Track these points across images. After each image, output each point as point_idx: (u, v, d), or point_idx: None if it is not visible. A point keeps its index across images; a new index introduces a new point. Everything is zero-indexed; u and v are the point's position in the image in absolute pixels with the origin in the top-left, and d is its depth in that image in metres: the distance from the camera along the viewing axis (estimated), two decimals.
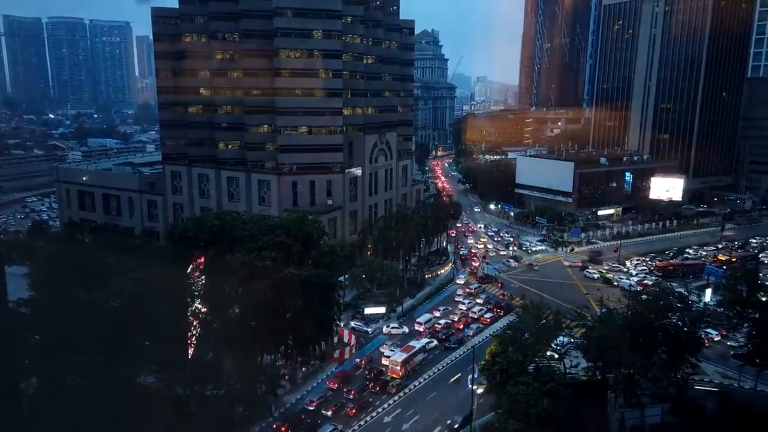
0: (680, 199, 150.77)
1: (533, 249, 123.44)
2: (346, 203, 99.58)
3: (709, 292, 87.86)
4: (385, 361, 68.48)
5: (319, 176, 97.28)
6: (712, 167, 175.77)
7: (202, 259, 55.74)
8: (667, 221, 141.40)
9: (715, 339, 74.84)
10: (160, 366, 46.95)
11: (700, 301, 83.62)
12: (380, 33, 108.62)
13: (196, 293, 53.12)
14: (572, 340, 58.90)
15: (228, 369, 50.18)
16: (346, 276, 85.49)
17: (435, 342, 75.06)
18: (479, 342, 74.04)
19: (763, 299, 63.53)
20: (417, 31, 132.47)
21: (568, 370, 55.79)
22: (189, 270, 53.85)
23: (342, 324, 74.36)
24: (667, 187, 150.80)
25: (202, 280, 54.58)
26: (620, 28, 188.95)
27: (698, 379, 62.89)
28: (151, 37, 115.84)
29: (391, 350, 71.21)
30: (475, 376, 54.65)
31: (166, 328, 47.29)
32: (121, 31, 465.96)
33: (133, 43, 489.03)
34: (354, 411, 58.55)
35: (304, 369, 66.26)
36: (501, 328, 75.51)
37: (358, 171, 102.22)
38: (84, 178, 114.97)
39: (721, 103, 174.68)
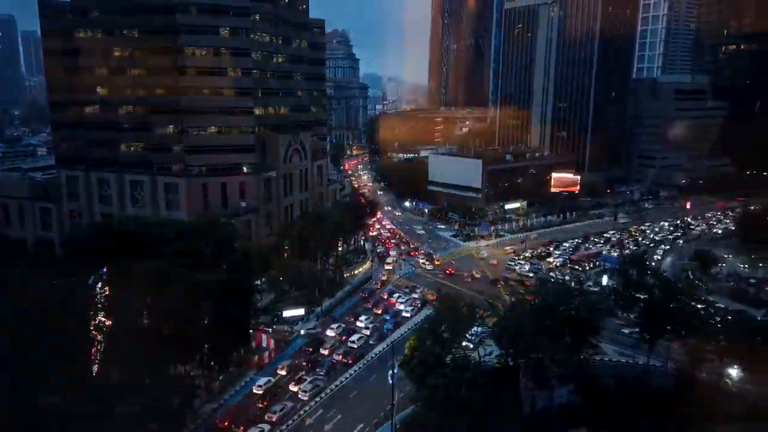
0: (578, 191, 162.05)
1: (451, 244, 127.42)
2: (261, 205, 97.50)
3: (605, 277, 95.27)
4: None
5: (231, 178, 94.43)
6: (606, 161, 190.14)
7: (105, 269, 52.44)
8: (567, 213, 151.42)
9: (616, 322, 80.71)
10: (63, 385, 43.66)
11: (598, 286, 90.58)
12: (290, 31, 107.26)
13: (99, 305, 49.89)
14: (485, 330, 61.57)
15: (139, 383, 47.62)
16: (263, 279, 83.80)
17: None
18: (400, 336, 75.53)
19: (651, 282, 69.85)
20: (327, 30, 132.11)
21: (482, 359, 58.27)
22: (91, 281, 50.47)
23: (261, 328, 72.91)
24: (565, 181, 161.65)
25: (105, 290, 51.35)
26: (520, 31, 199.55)
27: (599, 359, 67.88)
28: (38, 32, 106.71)
29: None
30: (395, 371, 55.62)
31: (68, 344, 44.03)
32: (5, 26, 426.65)
33: (18, 39, 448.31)
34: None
35: (221, 377, 64.16)
36: (420, 321, 77.45)
37: (272, 172, 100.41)
38: None
39: (611, 102, 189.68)
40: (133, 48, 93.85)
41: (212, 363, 60.24)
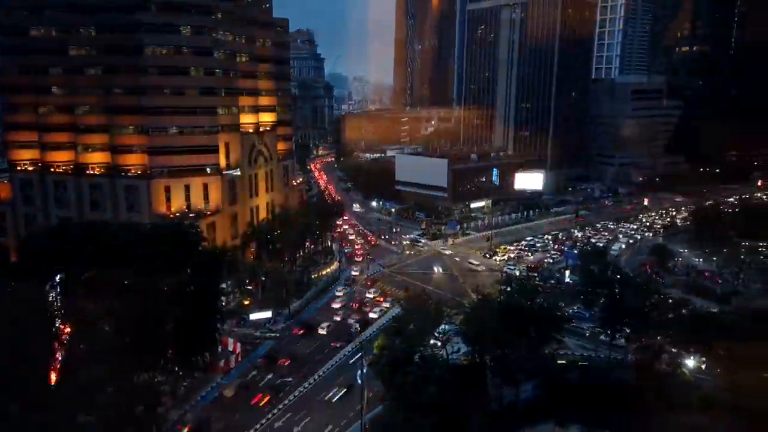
0: (541, 189, 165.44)
1: (418, 243, 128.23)
2: (226, 206, 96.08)
3: (567, 273, 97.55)
4: None
5: (195, 179, 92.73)
6: (567, 160, 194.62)
7: (63, 275, 50.78)
8: (530, 211, 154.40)
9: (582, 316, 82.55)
10: (19, 395, 42.05)
11: (561, 282, 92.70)
12: (254, 30, 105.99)
13: (56, 312, 48.27)
14: (452, 328, 62.27)
15: (100, 391, 46.28)
16: (229, 282, 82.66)
17: None
18: (369, 335, 75.67)
19: (611, 277, 71.96)
20: (291, 29, 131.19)
21: (450, 356, 58.93)
22: (48, 287, 48.80)
23: (228, 332, 71.89)
24: (529, 180, 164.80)
25: (62, 297, 49.72)
26: (483, 32, 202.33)
27: (563, 354, 69.49)
28: None
29: None
30: (364, 370, 55.71)
31: (24, 352, 42.43)
32: None
33: None
34: None
35: (186, 383, 62.94)
36: (388, 320, 77.72)
37: (236, 173, 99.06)
38: None
39: (571, 102, 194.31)
40: (91, 46, 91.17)
41: (177, 369, 59.07)
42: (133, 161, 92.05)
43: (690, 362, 62.84)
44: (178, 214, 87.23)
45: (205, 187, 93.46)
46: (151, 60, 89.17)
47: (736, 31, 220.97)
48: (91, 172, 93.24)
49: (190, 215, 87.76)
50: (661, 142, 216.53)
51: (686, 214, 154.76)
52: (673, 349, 64.19)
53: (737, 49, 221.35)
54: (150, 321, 51.50)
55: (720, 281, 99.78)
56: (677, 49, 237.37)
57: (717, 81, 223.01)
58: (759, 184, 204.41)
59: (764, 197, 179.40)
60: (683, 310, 70.90)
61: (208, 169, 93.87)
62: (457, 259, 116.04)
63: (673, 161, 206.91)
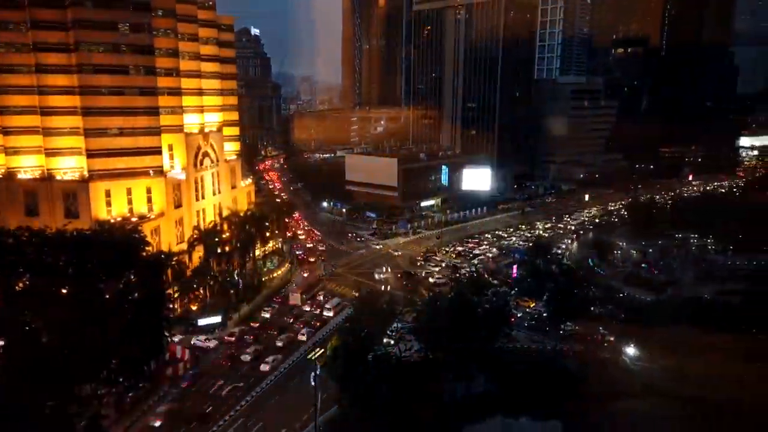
0: (488, 188, 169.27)
1: (370, 242, 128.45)
2: (170, 210, 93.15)
3: (515, 268, 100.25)
4: None
5: (137, 182, 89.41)
6: (512, 158, 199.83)
7: None
8: (479, 208, 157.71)
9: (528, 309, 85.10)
10: None
11: (509, 277, 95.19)
12: (197, 29, 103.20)
13: None
14: (405, 325, 62.88)
15: (36, 409, 44.03)
16: (175, 288, 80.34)
17: None
18: (321, 337, 75.21)
19: (556, 271, 74.59)
20: (237, 28, 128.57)
21: (403, 354, 59.46)
22: None
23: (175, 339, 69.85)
24: (476, 178, 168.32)
25: None
26: (429, 32, 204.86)
27: (512, 347, 71.42)
28: None
29: None
30: (317, 372, 55.40)
31: None
32: None
33: None
34: None
35: (131, 394, 60.70)
36: (340, 321, 77.60)
37: (181, 175, 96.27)
38: None
39: (515, 102, 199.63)
40: (22, 44, 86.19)
41: (121, 379, 56.93)
42: (71, 165, 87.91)
43: (630, 350, 65.91)
44: (119, 219, 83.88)
45: (149, 190, 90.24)
46: (87, 58, 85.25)
47: (666, 33, 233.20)
48: (24, 176, 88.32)
49: (133, 219, 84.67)
50: (600, 140, 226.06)
51: (624, 208, 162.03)
52: (612, 338, 67.27)
53: (668, 51, 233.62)
54: (89, 331, 49.37)
55: (656, 272, 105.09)
56: (613, 50, 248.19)
57: (649, 81, 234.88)
58: (689, 178, 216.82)
59: (694, 191, 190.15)
60: (622, 301, 74.40)
61: (151, 172, 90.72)
62: (408, 257, 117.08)
63: (611, 158, 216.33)
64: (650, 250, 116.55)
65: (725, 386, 61.30)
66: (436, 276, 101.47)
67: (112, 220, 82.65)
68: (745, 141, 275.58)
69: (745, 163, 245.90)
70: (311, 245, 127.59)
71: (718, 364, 65.48)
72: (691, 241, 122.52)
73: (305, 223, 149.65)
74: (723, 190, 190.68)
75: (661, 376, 62.33)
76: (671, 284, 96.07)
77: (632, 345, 66.41)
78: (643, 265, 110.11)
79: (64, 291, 52.50)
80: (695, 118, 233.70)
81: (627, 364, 64.21)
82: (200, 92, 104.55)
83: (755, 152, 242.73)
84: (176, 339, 73.97)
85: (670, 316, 71.18)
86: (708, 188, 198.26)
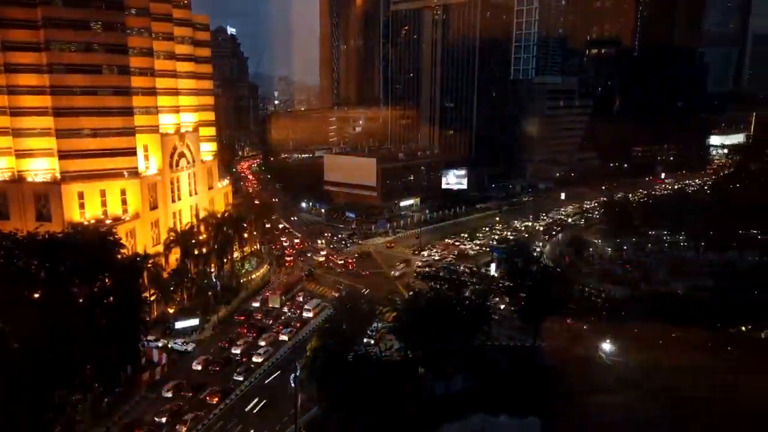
0: (466, 187, 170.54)
1: (349, 242, 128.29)
2: (146, 211, 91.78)
3: (493, 266, 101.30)
4: None
5: (111, 184, 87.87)
6: (490, 158, 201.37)
7: None
8: (457, 207, 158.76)
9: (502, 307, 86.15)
10: None
11: (488, 275, 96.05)
12: (172, 28, 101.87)
13: None
14: (385, 325, 63.03)
15: (8, 416, 43.05)
16: (152, 291, 79.28)
17: None
18: (301, 339, 74.88)
19: (533, 269, 75.53)
20: (213, 27, 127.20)
21: (383, 353, 59.64)
22: None
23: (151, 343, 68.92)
24: (455, 178, 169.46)
25: None
26: (407, 32, 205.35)
27: (491, 344, 72.08)
28: None
29: None
30: (297, 374, 55.19)
31: None
32: None
33: None
34: None
35: (106, 399, 59.63)
36: (321, 322, 77.39)
37: (157, 176, 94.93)
38: None
39: (492, 102, 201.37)
40: None
41: (96, 385, 55.96)
42: (43, 166, 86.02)
43: (606, 346, 67.10)
44: (93, 222, 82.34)
45: (123, 191, 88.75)
46: (58, 58, 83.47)
47: (639, 34, 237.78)
48: None
49: (107, 222, 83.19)
50: (575, 140, 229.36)
51: (599, 206, 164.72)
52: (588, 335, 68.41)
53: (640, 52, 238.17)
54: (63, 336, 48.42)
55: (630, 268, 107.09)
56: (587, 51, 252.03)
57: (623, 81, 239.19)
58: (662, 176, 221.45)
59: (666, 189, 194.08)
60: (598, 298, 75.70)
61: (125, 173, 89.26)
62: (387, 257, 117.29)
63: (586, 157, 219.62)
64: (625, 248, 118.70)
65: (696, 378, 63.06)
66: (415, 275, 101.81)
67: (86, 223, 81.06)
68: (715, 140, 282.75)
69: (716, 161, 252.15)
70: (290, 246, 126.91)
71: (690, 357, 67.33)
72: (664, 238, 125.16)
73: (284, 224, 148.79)
74: (694, 188, 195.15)
75: (635, 371, 63.66)
76: (645, 281, 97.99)
77: (608, 341, 67.64)
78: (618, 262, 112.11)
79: (36, 296, 51.36)
80: (667, 118, 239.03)
81: (603, 360, 65.32)
82: (176, 92, 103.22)
83: (725, 151, 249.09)
84: (159, 343, 73.26)
85: (644, 311, 72.70)
86: (680, 186, 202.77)
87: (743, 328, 70.09)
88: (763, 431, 53.18)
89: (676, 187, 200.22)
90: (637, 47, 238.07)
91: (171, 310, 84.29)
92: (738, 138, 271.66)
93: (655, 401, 57.88)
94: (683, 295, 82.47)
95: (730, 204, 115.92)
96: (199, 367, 68.79)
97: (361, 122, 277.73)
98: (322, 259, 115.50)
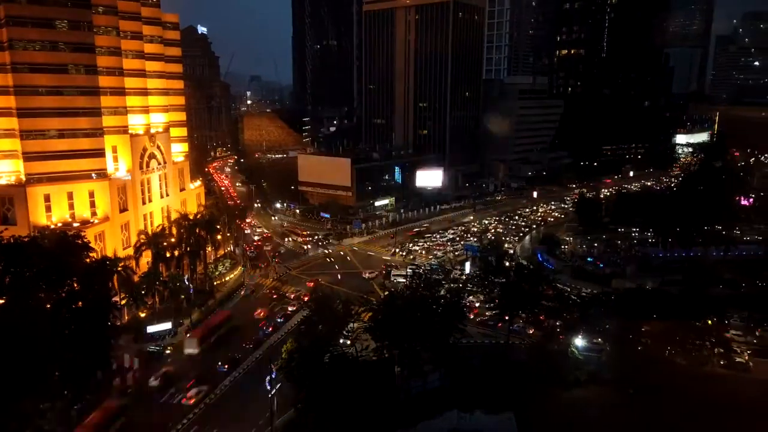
0: (440, 186, 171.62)
1: (324, 243, 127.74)
2: (115, 214, 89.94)
3: (468, 264, 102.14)
4: None
5: (79, 186, 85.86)
6: (463, 157, 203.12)
7: None
8: (431, 207, 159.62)
9: (477, 305, 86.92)
10: None
11: (462, 274, 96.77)
12: (141, 26, 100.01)
13: None
14: (360, 325, 63.02)
15: None
16: (122, 295, 77.73)
17: None
18: (277, 340, 74.34)
19: (506, 266, 76.43)
20: (183, 26, 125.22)
21: (359, 353, 59.61)
22: None
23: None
24: (429, 177, 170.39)
25: None
26: (380, 32, 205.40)
27: (466, 342, 72.72)
28: None
29: None
30: (273, 375, 54.85)
31: None
32: None
33: None
34: None
35: (77, 406, 58.25)
36: (295, 325, 76.94)
37: (126, 177, 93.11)
38: None
39: (465, 102, 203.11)
40: None
41: (65, 392, 54.65)
42: (7, 168, 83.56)
43: (578, 341, 68.36)
44: (60, 225, 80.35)
45: (92, 194, 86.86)
46: (22, 57, 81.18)
47: (607, 35, 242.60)
48: None
49: (75, 225, 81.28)
50: (546, 139, 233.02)
51: (570, 204, 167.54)
52: (560, 330, 69.55)
53: (609, 53, 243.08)
54: (26, 343, 47.11)
55: (601, 265, 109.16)
56: (557, 51, 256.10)
57: (592, 82, 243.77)
58: (630, 174, 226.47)
59: (635, 187, 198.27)
60: (570, 294, 76.98)
61: (93, 175, 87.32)
62: (362, 257, 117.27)
63: (557, 156, 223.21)
64: (595, 245, 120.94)
65: (664, 370, 64.88)
66: (391, 274, 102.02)
67: (53, 226, 79.08)
68: (680, 138, 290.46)
69: (681, 159, 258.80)
70: (264, 247, 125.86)
71: (658, 350, 69.20)
72: (633, 234, 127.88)
73: (258, 225, 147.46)
74: (661, 186, 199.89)
75: (606, 364, 65.10)
76: (615, 276, 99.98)
77: (579, 336, 68.92)
78: (588, 258, 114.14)
79: (0, 301, 49.96)
80: (634, 117, 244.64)
81: (575, 355, 66.52)
82: (145, 92, 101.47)
83: (689, 149, 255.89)
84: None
85: (614, 307, 74.26)
86: (647, 183, 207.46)
87: (709, 322, 72.13)
88: (731, 420, 54.93)
89: (643, 184, 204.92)
90: (606, 48, 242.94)
91: (143, 315, 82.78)
92: (702, 136, 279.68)
93: (624, 394, 59.32)
94: (652, 290, 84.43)
95: (696, 200, 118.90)
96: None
97: (335, 122, 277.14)
98: (296, 259, 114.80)
